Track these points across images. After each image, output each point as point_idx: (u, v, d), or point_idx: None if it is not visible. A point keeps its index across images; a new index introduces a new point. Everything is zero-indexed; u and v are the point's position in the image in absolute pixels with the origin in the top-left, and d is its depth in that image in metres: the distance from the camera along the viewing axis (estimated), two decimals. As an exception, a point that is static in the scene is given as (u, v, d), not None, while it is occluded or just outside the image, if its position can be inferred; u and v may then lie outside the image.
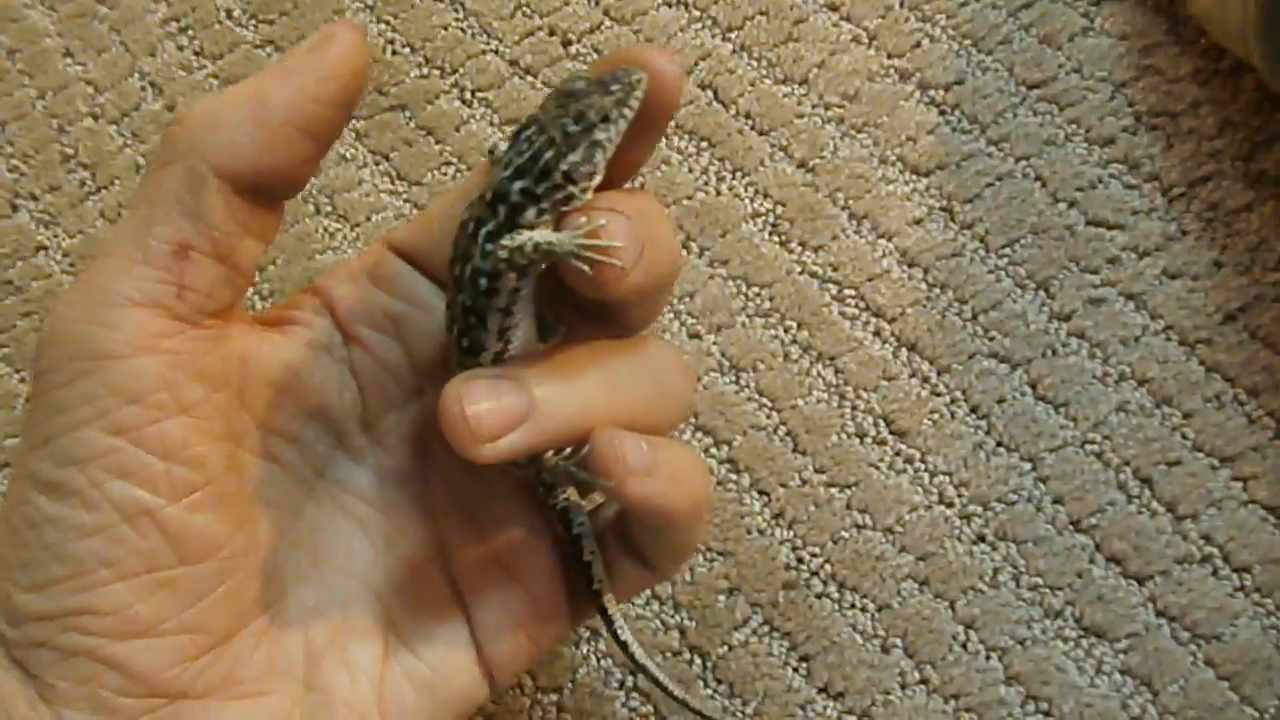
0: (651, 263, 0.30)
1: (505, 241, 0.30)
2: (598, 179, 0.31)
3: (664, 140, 0.51)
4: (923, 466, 0.45)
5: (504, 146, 0.32)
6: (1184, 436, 0.44)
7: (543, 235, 0.30)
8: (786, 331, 0.48)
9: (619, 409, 0.31)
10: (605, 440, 0.29)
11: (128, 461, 0.29)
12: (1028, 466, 0.44)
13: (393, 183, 0.53)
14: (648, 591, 0.45)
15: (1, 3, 0.59)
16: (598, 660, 0.44)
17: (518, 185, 0.31)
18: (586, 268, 0.30)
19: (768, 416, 0.46)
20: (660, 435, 0.32)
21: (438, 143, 0.53)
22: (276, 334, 0.34)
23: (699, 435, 0.47)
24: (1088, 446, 0.44)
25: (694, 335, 0.48)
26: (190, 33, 0.57)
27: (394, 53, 0.55)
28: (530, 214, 0.31)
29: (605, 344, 0.33)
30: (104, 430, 0.29)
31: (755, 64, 0.52)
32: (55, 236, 0.54)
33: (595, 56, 0.53)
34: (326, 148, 0.32)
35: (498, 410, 0.29)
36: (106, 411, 0.29)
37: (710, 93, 0.52)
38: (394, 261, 0.36)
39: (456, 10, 0.55)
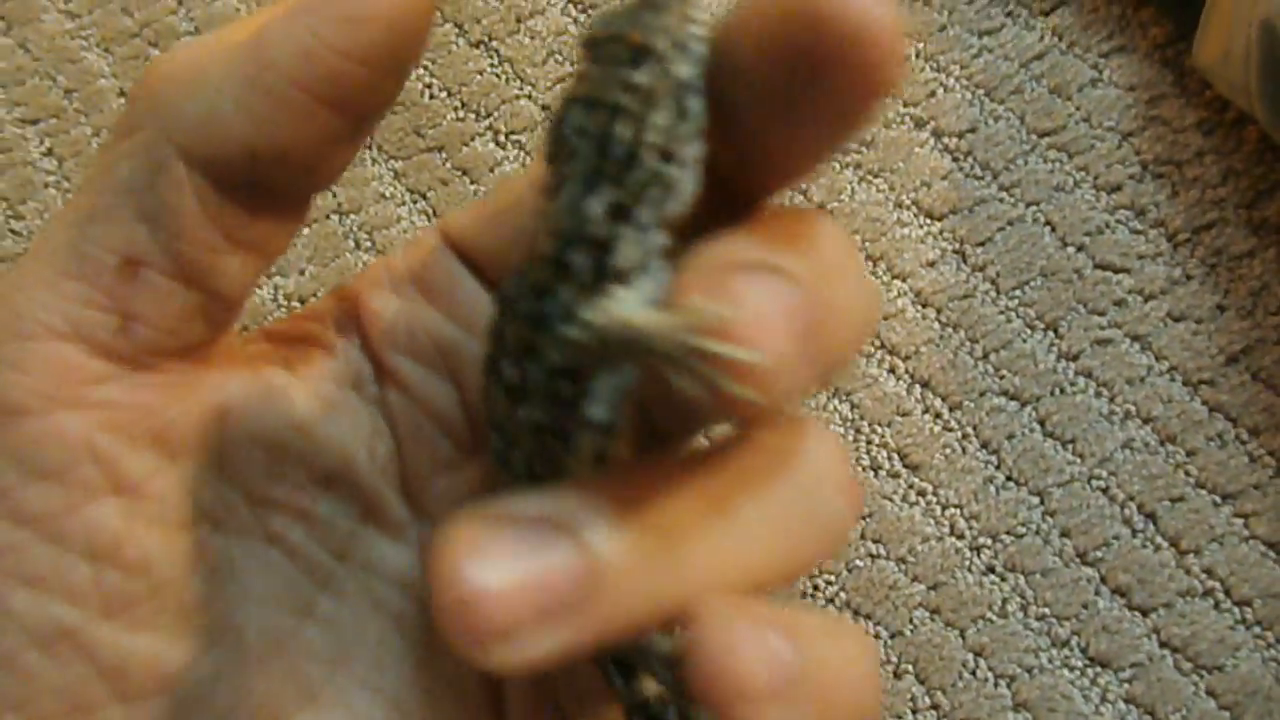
0: (816, 353, 0.18)
1: (590, 316, 0.18)
2: (701, 145, 0.19)
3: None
4: (935, 499, 0.47)
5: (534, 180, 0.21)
6: (1187, 474, 0.45)
7: (641, 315, 0.18)
8: (804, 367, 0.50)
9: (741, 567, 0.19)
10: (716, 643, 0.17)
11: (36, 564, 0.20)
12: (1036, 500, 0.46)
13: (429, 220, 0.55)
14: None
15: (60, 45, 0.62)
16: None
17: (594, 205, 0.18)
18: (696, 385, 0.17)
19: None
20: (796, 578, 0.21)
21: (473, 183, 0.56)
22: (278, 369, 0.24)
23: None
24: (1094, 482, 0.46)
25: (716, 370, 0.50)
26: (238, 75, 0.60)
27: (431, 96, 0.58)
28: (631, 246, 0.18)
29: (724, 454, 0.20)
30: (3, 519, 0.20)
31: (776, 111, 0.54)
32: (108, 268, 0.57)
33: (623, 102, 0.56)
34: (364, 126, 0.21)
35: (525, 583, 0.17)
36: (8, 493, 0.20)
37: (733, 138, 0.54)
38: (450, 263, 0.25)
39: (491, 57, 0.58)
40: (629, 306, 0.18)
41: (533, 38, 0.58)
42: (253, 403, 0.23)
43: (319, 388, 0.24)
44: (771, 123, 0.19)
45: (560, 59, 0.57)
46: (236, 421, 0.23)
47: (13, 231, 0.58)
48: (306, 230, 0.56)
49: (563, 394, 0.20)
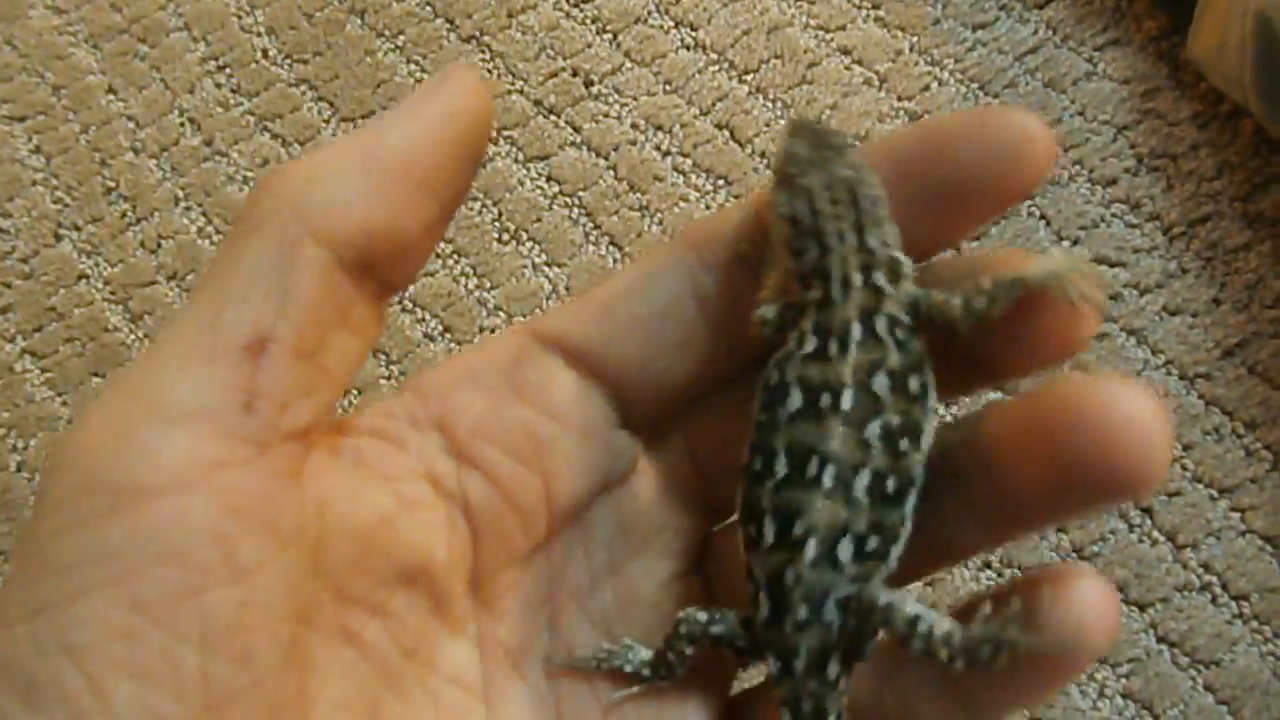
0: None
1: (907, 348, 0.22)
2: None
3: (681, 178, 0.54)
4: (931, 495, 0.46)
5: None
6: (1184, 468, 0.45)
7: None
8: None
9: None
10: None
11: (148, 653, 0.20)
12: (1032, 495, 0.46)
13: (421, 216, 0.55)
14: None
15: (47, 42, 0.62)
16: None
17: (873, 239, 0.22)
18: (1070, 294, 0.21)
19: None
20: None
21: (464, 178, 0.55)
22: (361, 465, 0.25)
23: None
24: (1090, 477, 0.46)
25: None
26: (228, 71, 0.59)
27: (423, 92, 0.57)
28: (898, 265, 0.22)
29: None
30: (119, 604, 0.20)
31: (770, 105, 0.54)
32: (96, 265, 0.57)
33: (616, 97, 0.56)
34: (450, 211, 0.23)
35: None
36: (127, 575, 0.20)
37: (727, 132, 0.54)
38: (547, 361, 0.25)
39: (483, 52, 0.58)
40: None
41: (524, 32, 0.58)
42: (347, 495, 0.23)
43: (399, 484, 0.24)
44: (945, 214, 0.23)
45: (552, 54, 0.57)
46: (334, 513, 0.23)
47: (0, 230, 0.58)
48: (297, 227, 0.56)
49: (904, 482, 0.22)
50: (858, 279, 0.22)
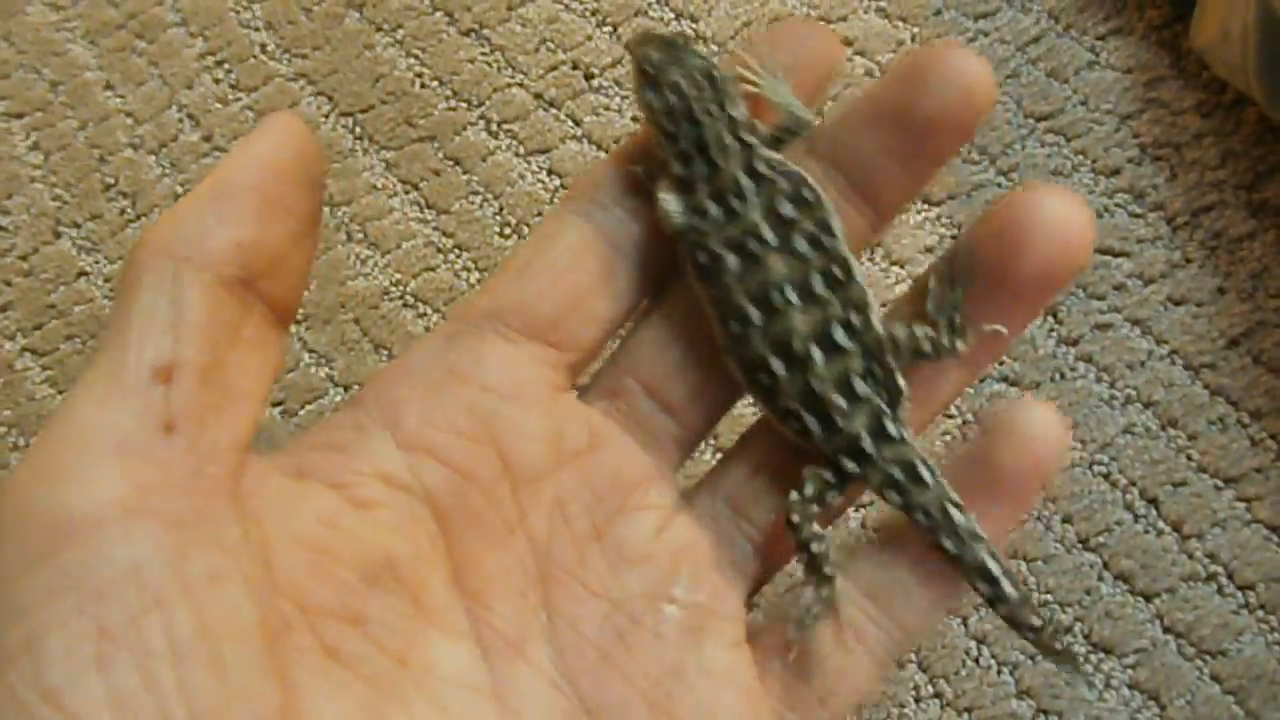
0: None
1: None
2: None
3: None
4: (935, 486, 0.46)
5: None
6: (1189, 458, 0.45)
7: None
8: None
9: None
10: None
11: (124, 678, 0.19)
12: (1037, 487, 0.45)
13: (422, 211, 0.55)
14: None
15: (45, 38, 0.61)
16: None
17: (734, 112, 0.26)
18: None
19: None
20: None
21: (465, 172, 0.55)
22: (304, 476, 0.25)
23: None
24: (1095, 467, 0.45)
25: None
26: (226, 66, 0.59)
27: (423, 86, 0.57)
28: (761, 127, 0.27)
29: None
30: (86, 635, 0.19)
31: (772, 97, 0.54)
32: (96, 263, 0.56)
33: (616, 89, 0.55)
34: (309, 226, 0.24)
35: None
36: (86, 605, 0.19)
37: (728, 124, 0.54)
38: (477, 338, 0.27)
39: (483, 45, 0.57)
40: None
41: (524, 25, 0.57)
42: (286, 504, 0.24)
43: (348, 489, 0.25)
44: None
45: (552, 46, 0.57)
46: (274, 523, 0.23)
47: (0, 228, 0.58)
48: (298, 222, 0.56)
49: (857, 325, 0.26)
50: (730, 140, 0.26)
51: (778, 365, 0.26)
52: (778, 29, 0.27)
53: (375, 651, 0.23)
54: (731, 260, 0.26)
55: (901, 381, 0.26)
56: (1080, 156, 0.51)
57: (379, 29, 0.59)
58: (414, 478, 0.25)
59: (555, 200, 0.54)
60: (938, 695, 0.43)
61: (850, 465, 0.26)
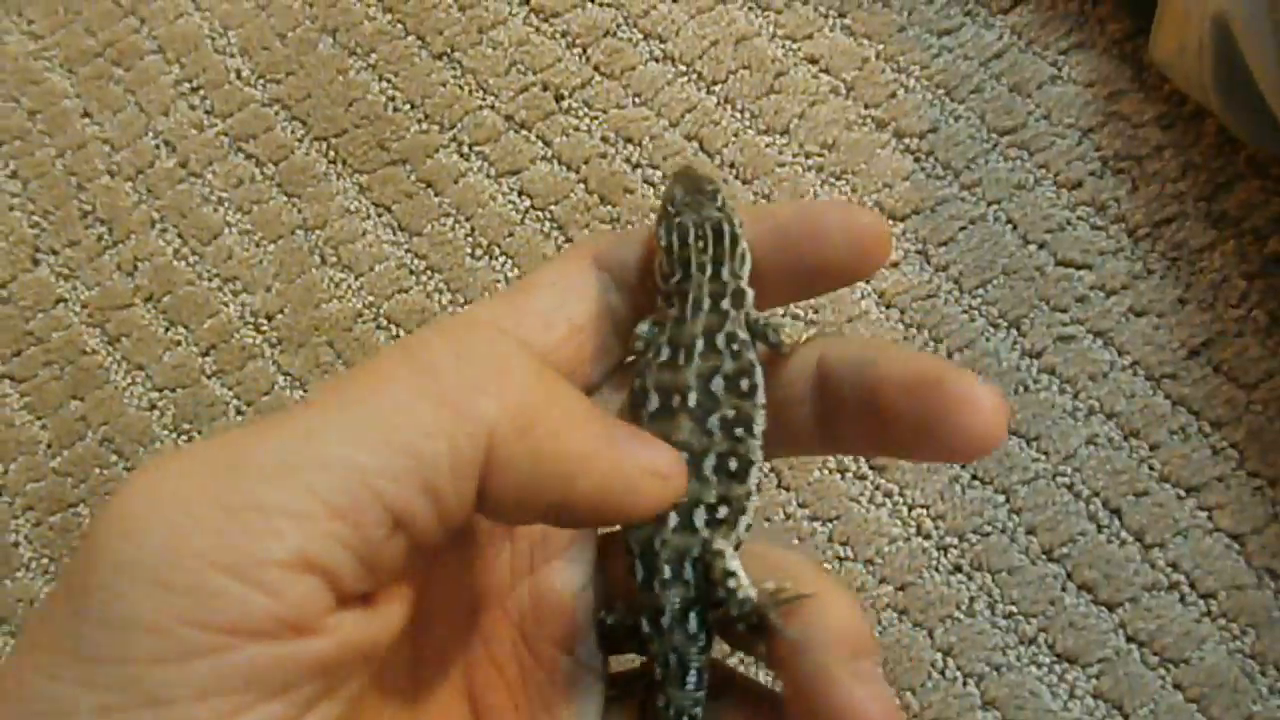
0: None
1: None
2: None
3: (651, 189, 0.54)
4: (901, 500, 0.47)
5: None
6: (1151, 468, 0.45)
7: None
8: (770, 371, 0.50)
9: None
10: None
11: None
12: (1001, 499, 0.46)
13: (394, 234, 0.55)
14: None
15: (23, 66, 0.62)
16: None
17: (725, 271, 0.27)
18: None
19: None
20: None
21: (437, 194, 0.56)
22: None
23: (688, 472, 0.49)
24: (1059, 479, 0.46)
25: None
26: (201, 93, 0.60)
27: (395, 109, 0.58)
28: (749, 299, 0.27)
29: None
30: None
31: (739, 115, 0.55)
32: (74, 289, 0.57)
33: (586, 111, 0.56)
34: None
35: None
36: (238, 711, 0.19)
37: (696, 144, 0.54)
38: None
39: (454, 68, 0.58)
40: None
41: (495, 48, 0.58)
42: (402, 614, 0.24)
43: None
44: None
45: (523, 69, 0.57)
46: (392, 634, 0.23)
47: (-21, 255, 0.58)
48: (272, 246, 0.56)
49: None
50: (706, 303, 0.27)
51: None
52: (818, 211, 0.27)
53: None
54: (653, 401, 0.26)
55: (729, 588, 0.25)
56: (1043, 170, 0.51)
57: (352, 53, 0.59)
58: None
59: (526, 220, 0.54)
60: (905, 707, 0.44)
61: (644, 624, 0.26)
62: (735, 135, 0.54)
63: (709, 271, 0.27)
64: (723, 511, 0.25)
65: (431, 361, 0.22)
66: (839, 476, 0.47)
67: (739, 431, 0.26)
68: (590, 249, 0.29)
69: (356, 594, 0.21)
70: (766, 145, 0.54)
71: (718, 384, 0.26)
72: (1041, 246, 0.50)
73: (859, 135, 0.53)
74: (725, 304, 0.27)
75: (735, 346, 0.26)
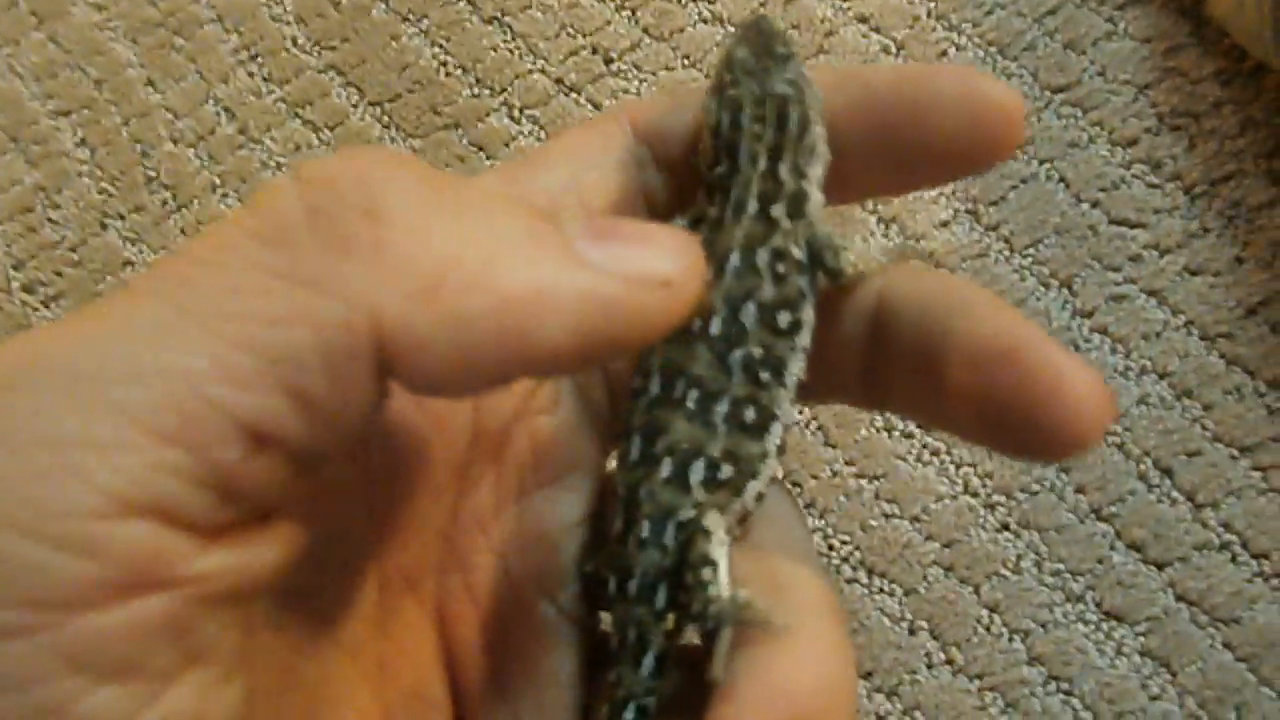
0: None
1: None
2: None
3: (701, 151, 0.54)
4: (948, 458, 0.47)
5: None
6: (1204, 428, 0.45)
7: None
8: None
9: None
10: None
11: None
12: (1050, 458, 0.46)
13: (447, 196, 0.56)
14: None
15: (89, 37, 0.64)
16: None
17: (782, 169, 0.21)
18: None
19: (800, 412, 0.49)
20: None
21: (489, 158, 0.57)
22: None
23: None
24: (1109, 438, 0.46)
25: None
26: (259, 60, 0.61)
27: (447, 74, 0.59)
28: (812, 203, 0.21)
29: None
30: None
31: (787, 76, 0.55)
32: (141, 252, 0.59)
33: (636, 73, 0.56)
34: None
35: None
36: (62, 708, 0.15)
37: (744, 105, 0.54)
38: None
39: (505, 32, 0.59)
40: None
41: (544, 12, 0.59)
42: (311, 530, 0.20)
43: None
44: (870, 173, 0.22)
45: (572, 32, 0.58)
46: (298, 552, 0.19)
47: (50, 220, 0.60)
48: (329, 210, 0.58)
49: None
50: (753, 206, 0.21)
51: (634, 448, 0.21)
52: (928, 76, 0.20)
53: (299, 614, 0.21)
54: None
55: (702, 551, 0.20)
56: (1097, 128, 0.51)
57: (404, 19, 0.60)
58: (389, 414, 0.22)
59: (576, 183, 0.55)
60: (949, 662, 0.44)
61: (610, 584, 0.21)
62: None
63: (762, 164, 0.21)
64: (726, 471, 0.21)
65: (280, 221, 0.16)
66: (885, 434, 0.48)
67: (764, 376, 0.21)
68: (630, 112, 0.23)
69: (216, 526, 0.16)
70: (815, 105, 0.54)
71: (749, 313, 0.21)
72: (1095, 205, 0.49)
73: (909, 94, 0.53)
74: (777, 210, 0.21)
75: (781, 268, 0.21)
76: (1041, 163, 0.50)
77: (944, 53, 0.54)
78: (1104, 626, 0.44)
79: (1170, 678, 0.42)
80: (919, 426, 0.48)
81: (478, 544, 0.23)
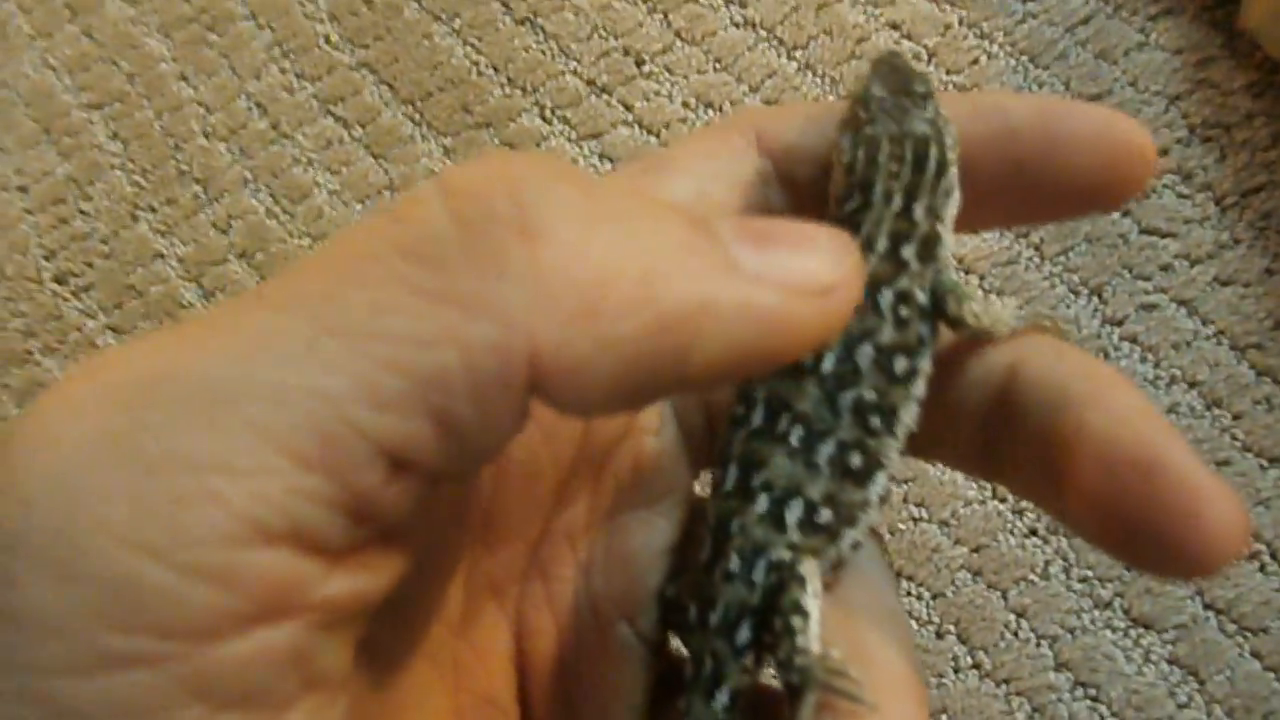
0: None
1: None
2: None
3: (732, 154, 0.55)
4: (977, 463, 0.47)
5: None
6: (1234, 438, 0.45)
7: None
8: (847, 335, 0.50)
9: None
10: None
11: None
12: (1079, 464, 0.46)
13: (478, 195, 0.57)
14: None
15: (122, 32, 0.64)
16: None
17: (918, 210, 0.21)
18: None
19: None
20: None
21: (519, 157, 0.57)
22: None
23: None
24: (1138, 446, 0.46)
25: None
26: (292, 57, 0.62)
27: (479, 74, 0.59)
28: (943, 246, 0.21)
29: None
30: None
31: (819, 81, 0.55)
32: (172, 245, 0.59)
33: (667, 76, 0.57)
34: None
35: None
36: None
37: (776, 109, 0.55)
38: None
39: (537, 33, 0.59)
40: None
41: (576, 13, 0.59)
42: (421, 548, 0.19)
43: None
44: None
45: (604, 34, 0.58)
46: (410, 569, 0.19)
47: (82, 212, 0.61)
48: (359, 206, 0.58)
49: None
50: (883, 244, 0.20)
51: (731, 477, 0.21)
52: (1065, 112, 0.20)
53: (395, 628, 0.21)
54: None
55: (791, 623, 0.20)
56: (1128, 138, 0.51)
57: (437, 18, 0.61)
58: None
59: (606, 184, 0.55)
60: (976, 666, 0.44)
61: (691, 611, 0.21)
62: (816, 101, 0.54)
63: (897, 204, 0.20)
64: (825, 515, 0.20)
65: (428, 234, 0.15)
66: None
67: (875, 422, 0.20)
68: (751, 121, 0.22)
69: (344, 550, 0.16)
70: (847, 111, 0.54)
71: (865, 354, 0.20)
72: (1125, 214, 0.50)
73: (940, 101, 0.53)
74: (908, 251, 0.20)
75: (904, 312, 0.20)
76: (1072, 171, 0.51)
77: (975, 61, 0.54)
78: (1132, 634, 0.44)
79: (1198, 686, 0.43)
80: (948, 431, 0.48)
81: (565, 557, 0.23)
